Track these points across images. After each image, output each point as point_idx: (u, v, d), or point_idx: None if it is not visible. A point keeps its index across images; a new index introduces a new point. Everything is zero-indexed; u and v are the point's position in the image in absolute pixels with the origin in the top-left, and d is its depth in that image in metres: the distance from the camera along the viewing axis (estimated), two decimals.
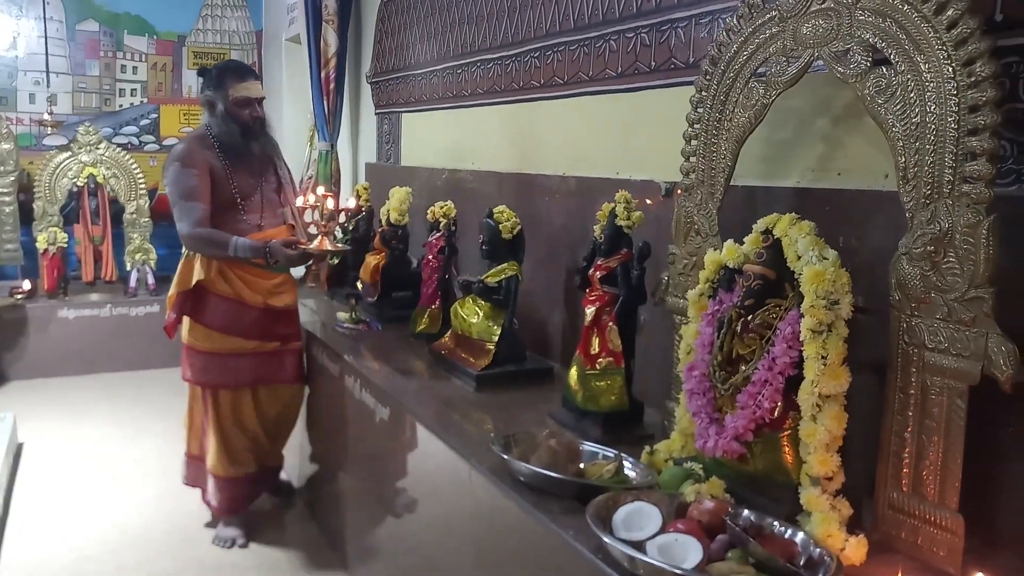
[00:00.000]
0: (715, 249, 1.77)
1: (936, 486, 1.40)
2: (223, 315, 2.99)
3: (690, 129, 1.90)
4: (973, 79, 1.33)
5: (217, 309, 2.98)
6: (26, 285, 5.25)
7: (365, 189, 3.97)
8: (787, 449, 1.55)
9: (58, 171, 5.46)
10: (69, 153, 5.51)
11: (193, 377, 3.10)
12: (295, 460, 3.57)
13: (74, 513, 3.40)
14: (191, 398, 3.22)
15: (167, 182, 2.93)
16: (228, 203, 2.96)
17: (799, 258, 1.53)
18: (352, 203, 3.63)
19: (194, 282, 2.93)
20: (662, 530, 1.40)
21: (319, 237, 2.87)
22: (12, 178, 5.48)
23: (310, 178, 4.06)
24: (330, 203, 2.94)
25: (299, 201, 3.08)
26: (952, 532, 1.37)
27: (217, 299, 2.98)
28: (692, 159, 1.90)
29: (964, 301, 1.35)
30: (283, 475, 3.55)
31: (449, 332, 2.75)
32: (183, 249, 3.01)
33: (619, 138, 2.63)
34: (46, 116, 6.10)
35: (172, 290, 3.00)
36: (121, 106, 6.69)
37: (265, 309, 3.04)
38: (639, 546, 1.36)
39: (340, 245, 3.13)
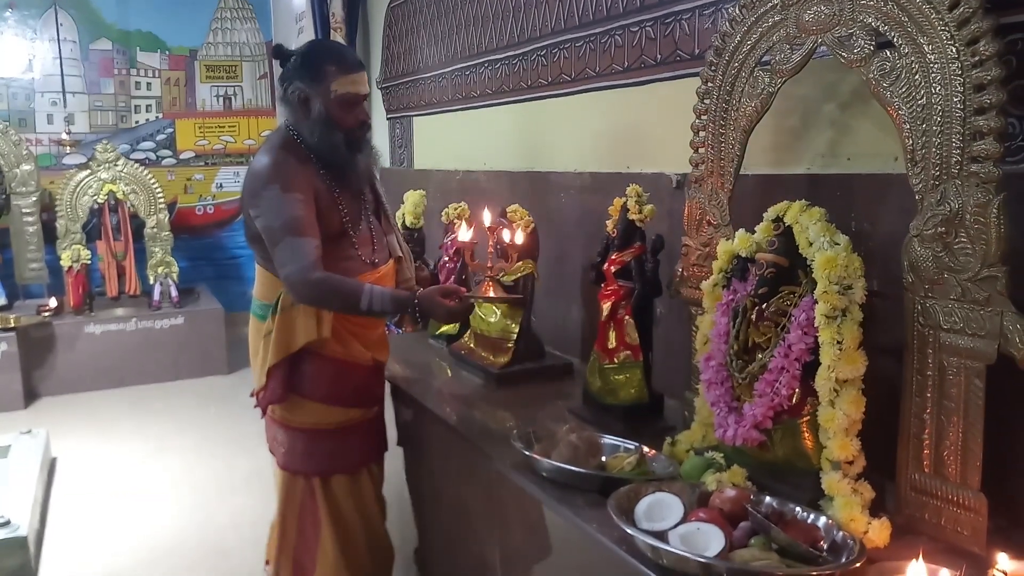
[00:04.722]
0: (728, 239, 1.77)
1: (957, 466, 1.40)
2: (327, 381, 2.23)
3: (698, 120, 1.91)
4: (977, 58, 1.33)
5: (320, 374, 2.21)
6: (52, 303, 5.35)
7: None
8: (806, 435, 1.55)
9: (78, 189, 5.55)
10: (88, 171, 5.60)
11: (296, 465, 2.28)
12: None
13: (107, 527, 3.46)
14: (284, 499, 2.32)
15: (261, 211, 2.09)
16: (336, 235, 2.18)
17: (811, 245, 1.53)
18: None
19: (301, 344, 2.16)
20: (684, 519, 1.42)
21: (484, 282, 2.24)
22: (34, 198, 5.59)
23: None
24: (505, 235, 2.36)
25: (462, 236, 2.45)
26: (975, 512, 1.38)
27: (320, 361, 2.20)
28: (701, 150, 1.91)
29: (978, 281, 1.35)
30: None
31: (468, 332, 2.77)
32: (254, 295, 2.28)
33: (628, 132, 2.64)
34: (64, 136, 6.21)
35: (271, 359, 2.16)
36: (137, 122, 6.78)
37: (373, 367, 2.32)
38: (662, 536, 1.38)
39: (511, 294, 2.39)
